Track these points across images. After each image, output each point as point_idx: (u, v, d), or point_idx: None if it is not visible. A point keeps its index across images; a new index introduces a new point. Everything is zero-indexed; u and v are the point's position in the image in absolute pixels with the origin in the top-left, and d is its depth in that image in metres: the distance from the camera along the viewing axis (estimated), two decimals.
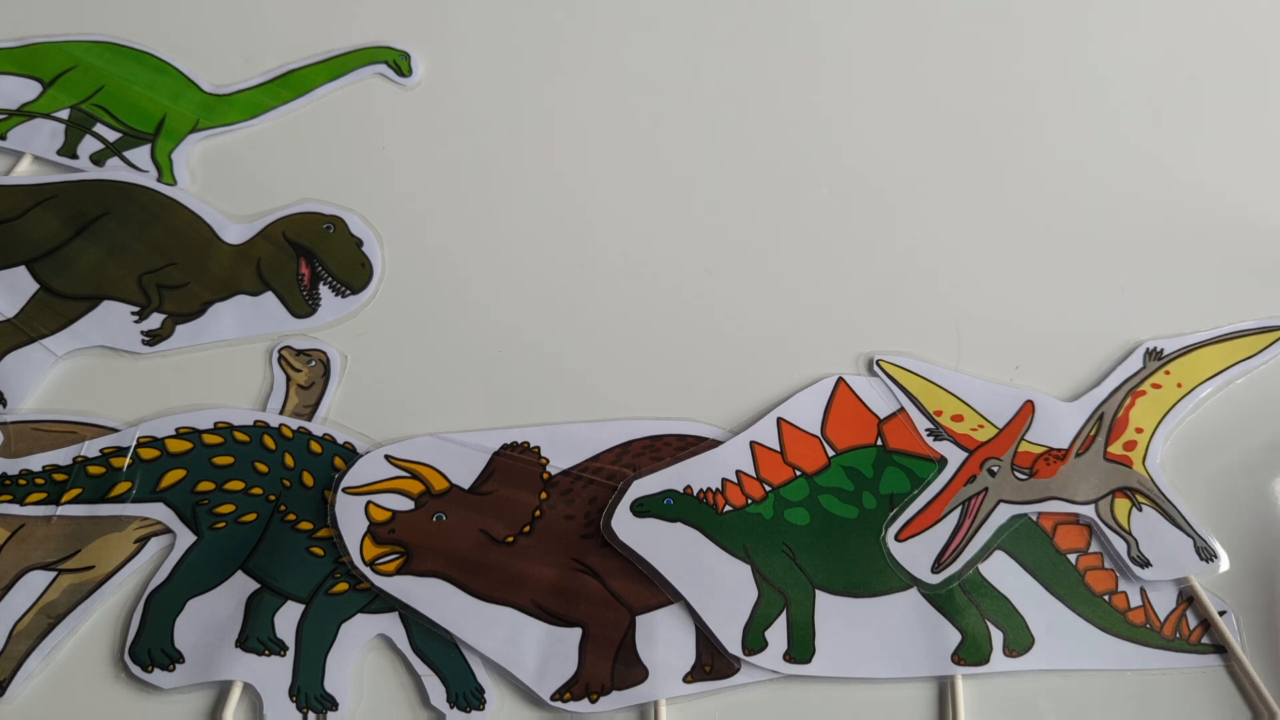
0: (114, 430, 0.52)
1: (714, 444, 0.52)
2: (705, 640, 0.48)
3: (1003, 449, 0.52)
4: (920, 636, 0.48)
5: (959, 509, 0.51)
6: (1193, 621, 0.50)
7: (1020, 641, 0.49)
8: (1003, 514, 0.51)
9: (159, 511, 0.50)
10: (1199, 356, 0.55)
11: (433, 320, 0.56)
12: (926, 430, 0.53)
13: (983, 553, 0.50)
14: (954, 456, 0.52)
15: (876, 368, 0.54)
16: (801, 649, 0.48)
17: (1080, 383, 0.55)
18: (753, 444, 0.52)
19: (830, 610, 0.49)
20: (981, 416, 0.53)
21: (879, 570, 0.50)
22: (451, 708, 0.47)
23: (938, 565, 0.50)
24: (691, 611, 0.48)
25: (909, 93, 0.63)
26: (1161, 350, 0.55)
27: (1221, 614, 0.50)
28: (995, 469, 0.52)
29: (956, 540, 0.50)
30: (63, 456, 0.51)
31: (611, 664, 0.48)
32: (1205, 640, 0.50)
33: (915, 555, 0.50)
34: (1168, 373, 0.54)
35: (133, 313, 0.55)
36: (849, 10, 0.65)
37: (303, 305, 0.56)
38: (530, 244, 0.58)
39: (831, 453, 0.52)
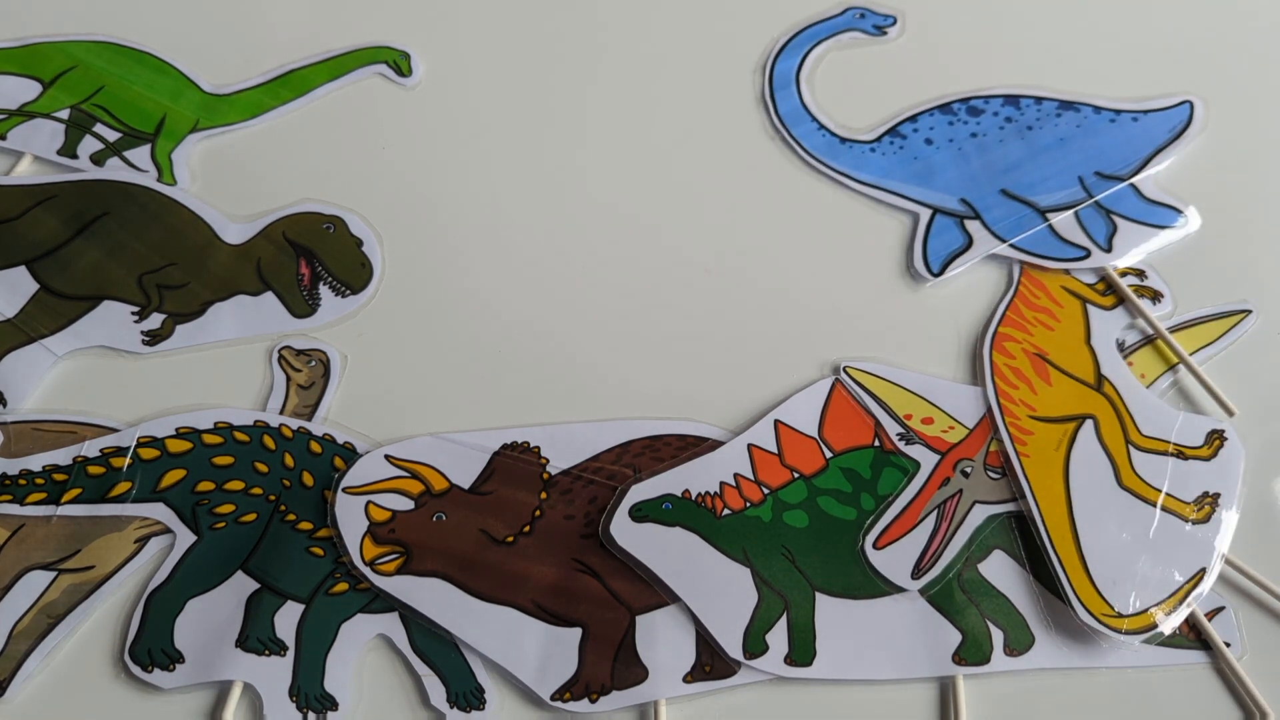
0: (114, 430, 0.52)
1: (714, 444, 0.52)
2: (705, 640, 0.48)
3: (974, 449, 0.52)
4: (921, 637, 0.48)
5: (935, 513, 0.51)
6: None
7: (1020, 641, 0.49)
8: (979, 515, 0.51)
9: (159, 511, 0.50)
10: (1160, 346, 0.55)
11: (433, 320, 0.56)
12: (898, 435, 0.52)
13: (960, 555, 0.50)
14: (926, 460, 0.52)
15: (844, 374, 0.54)
16: (802, 652, 0.48)
17: None
18: (750, 447, 0.52)
19: (830, 612, 0.49)
20: (951, 418, 0.53)
21: None
22: (451, 708, 0.47)
23: (917, 571, 0.49)
24: (692, 616, 0.48)
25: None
26: (1123, 341, 0.55)
27: (1220, 610, 0.50)
28: (968, 470, 0.52)
29: (935, 545, 0.50)
30: (63, 456, 0.51)
31: (611, 664, 0.48)
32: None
33: (894, 562, 0.50)
34: (1131, 364, 0.54)
35: (133, 313, 0.55)
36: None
37: (303, 305, 0.56)
38: (530, 244, 0.58)
39: (829, 454, 0.52)
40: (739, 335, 0.56)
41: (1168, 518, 0.50)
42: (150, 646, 0.48)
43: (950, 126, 0.61)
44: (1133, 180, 0.59)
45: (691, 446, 0.52)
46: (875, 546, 0.50)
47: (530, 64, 0.63)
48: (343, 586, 0.49)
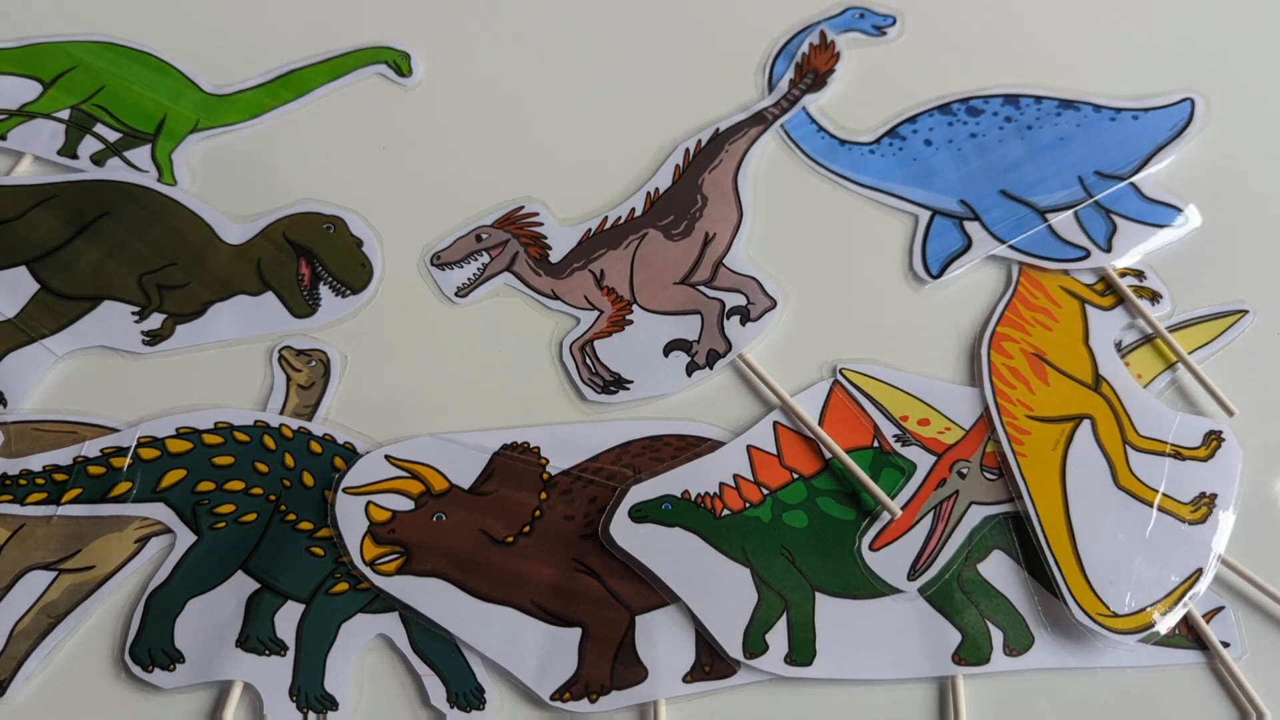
0: (114, 430, 0.52)
1: (713, 445, 0.52)
2: (705, 640, 0.48)
3: (970, 450, 0.52)
4: (920, 637, 0.49)
5: (931, 514, 0.51)
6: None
7: (1020, 641, 0.49)
8: (975, 516, 0.51)
9: (159, 511, 0.50)
10: (1159, 346, 0.55)
11: (433, 320, 0.56)
12: (894, 436, 0.53)
13: (959, 555, 0.50)
14: (923, 461, 0.52)
15: (840, 376, 0.54)
16: (802, 651, 0.48)
17: None
18: (749, 448, 0.52)
19: (830, 612, 0.49)
20: (947, 419, 0.53)
21: None
22: (451, 708, 0.47)
23: (913, 572, 0.50)
24: (692, 616, 0.48)
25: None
26: (1120, 342, 0.55)
27: (1219, 610, 0.50)
28: (965, 471, 0.52)
29: (931, 546, 0.50)
30: (63, 456, 0.51)
31: (611, 664, 0.48)
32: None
33: (890, 563, 0.50)
34: (1128, 364, 0.54)
35: (133, 313, 0.55)
36: None
37: (303, 305, 0.56)
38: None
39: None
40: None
41: (1164, 518, 0.50)
42: (150, 646, 0.48)
43: (949, 127, 0.61)
44: (1133, 179, 0.59)
45: (691, 447, 0.52)
46: (872, 548, 0.50)
47: (530, 64, 0.63)
48: (343, 586, 0.49)
